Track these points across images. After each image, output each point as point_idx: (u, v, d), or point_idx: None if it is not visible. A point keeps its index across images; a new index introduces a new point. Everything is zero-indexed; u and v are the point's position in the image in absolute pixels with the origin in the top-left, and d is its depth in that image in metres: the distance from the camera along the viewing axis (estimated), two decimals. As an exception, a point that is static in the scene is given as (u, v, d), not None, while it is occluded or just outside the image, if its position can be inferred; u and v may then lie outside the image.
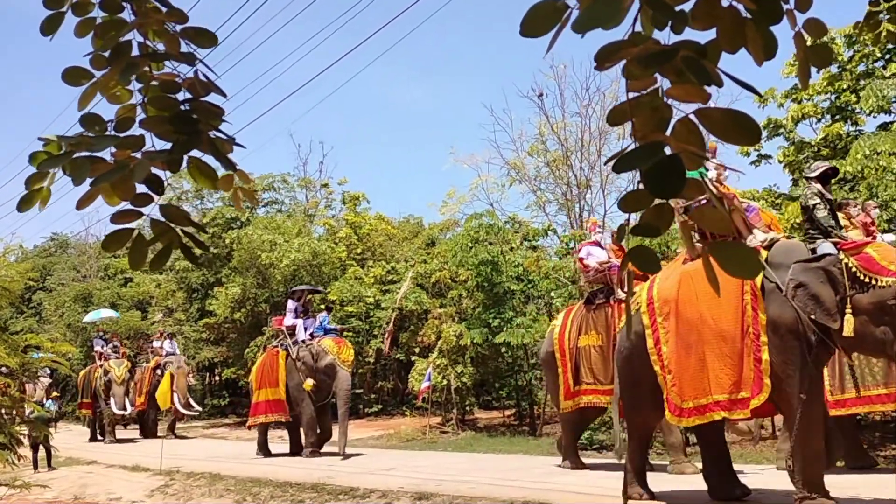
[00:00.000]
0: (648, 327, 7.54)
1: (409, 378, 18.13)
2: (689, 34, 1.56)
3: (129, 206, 1.95)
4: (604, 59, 1.53)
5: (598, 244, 10.93)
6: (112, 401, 20.36)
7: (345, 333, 16.14)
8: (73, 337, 30.37)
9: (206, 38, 2.07)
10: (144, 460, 14.49)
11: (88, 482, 13.55)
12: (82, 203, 1.95)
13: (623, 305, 10.01)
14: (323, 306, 16.33)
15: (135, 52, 1.99)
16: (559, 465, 10.95)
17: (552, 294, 16.13)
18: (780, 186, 14.33)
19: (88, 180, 1.87)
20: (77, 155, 1.91)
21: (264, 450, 15.18)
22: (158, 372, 20.51)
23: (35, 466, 15.23)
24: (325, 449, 14.59)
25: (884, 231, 9.77)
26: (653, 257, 1.59)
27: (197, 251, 2.13)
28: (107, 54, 1.99)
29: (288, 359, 14.61)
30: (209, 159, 1.98)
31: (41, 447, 15.24)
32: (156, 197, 1.95)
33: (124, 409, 20.52)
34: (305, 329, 14.69)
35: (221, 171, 2.11)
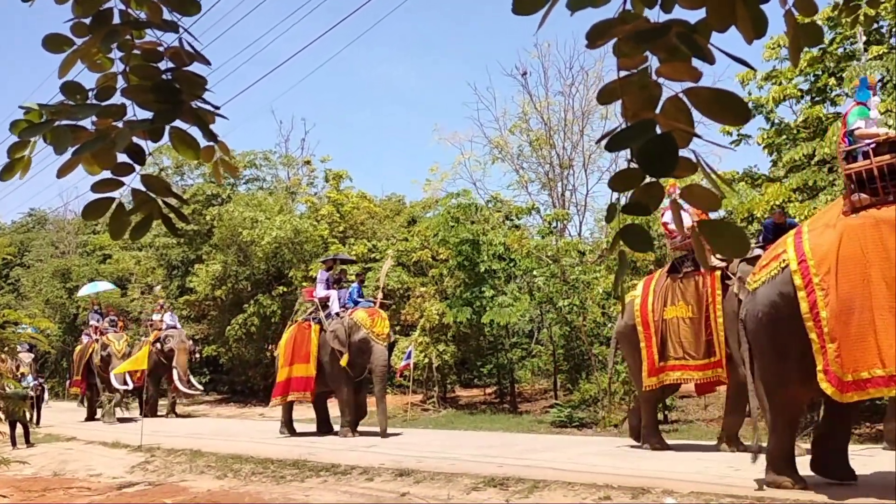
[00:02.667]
0: (802, 289, 6.55)
1: (391, 356, 18.17)
2: (678, 14, 1.56)
3: (110, 176, 1.93)
4: (596, 36, 1.52)
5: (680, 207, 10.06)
6: (112, 376, 19.17)
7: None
8: (51, 313, 30.21)
9: (189, 6, 2.03)
10: (124, 437, 14.46)
11: (68, 458, 13.51)
12: (63, 172, 1.92)
13: (716, 273, 9.26)
14: (353, 277, 15.40)
15: (116, 19, 1.96)
16: (640, 447, 10.23)
17: (534, 273, 16.20)
18: (760, 167, 14.44)
19: (70, 149, 1.85)
20: (58, 123, 1.88)
21: (290, 428, 14.39)
22: (159, 346, 19.72)
23: (13, 443, 15.16)
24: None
25: None
26: (646, 235, 1.60)
27: (179, 223, 2.11)
28: (88, 21, 1.96)
29: (322, 333, 13.76)
30: (192, 130, 1.97)
31: (19, 423, 15.15)
32: (137, 167, 1.93)
33: (125, 384, 19.38)
34: (339, 300, 13.89)
35: (204, 143, 2.09)
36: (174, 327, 20.41)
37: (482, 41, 52.76)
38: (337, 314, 13.69)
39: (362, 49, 61.36)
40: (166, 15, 2.01)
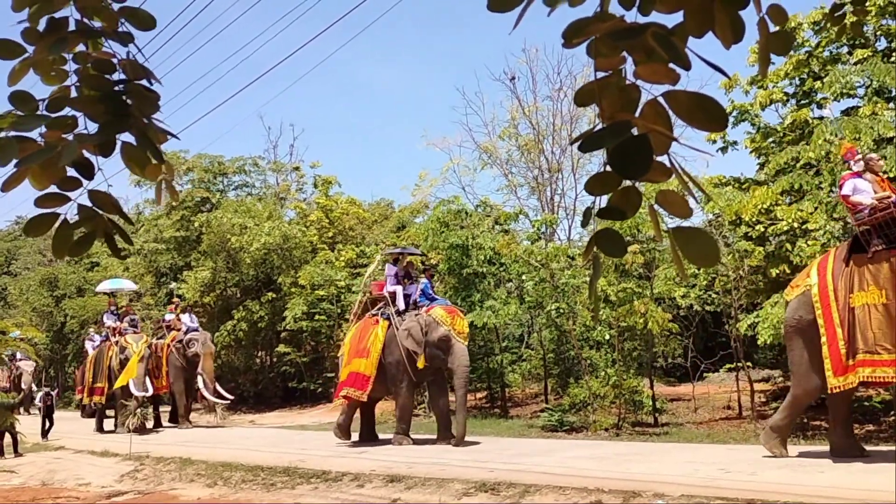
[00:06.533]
0: None
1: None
2: (656, 18, 1.55)
3: (56, 190, 1.85)
4: (572, 35, 1.51)
5: (859, 175, 8.61)
6: (130, 382, 17.29)
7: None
8: (38, 321, 30.06)
9: (142, 20, 1.97)
10: (113, 445, 14.37)
11: (56, 468, 13.41)
12: (8, 185, 1.85)
13: None
14: (422, 272, 14.34)
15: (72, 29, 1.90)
16: (836, 460, 8.31)
17: (523, 277, 16.24)
18: (746, 172, 14.53)
19: (14, 161, 1.79)
20: (4, 134, 1.81)
21: (345, 433, 13.21)
22: (179, 348, 18.53)
23: (1, 453, 15.06)
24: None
25: None
26: (619, 240, 1.57)
27: (121, 244, 2.03)
28: (42, 30, 1.90)
29: (389, 329, 12.72)
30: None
31: (7, 433, 15.04)
32: (85, 182, 1.86)
33: (145, 389, 17.74)
34: (407, 297, 12.95)
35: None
36: (195, 329, 18.99)
37: (470, 46, 52.95)
38: (406, 311, 12.81)
39: (350, 54, 61.46)
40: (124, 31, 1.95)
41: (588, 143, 1.51)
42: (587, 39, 1.51)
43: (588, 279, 14.38)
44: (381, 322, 12.89)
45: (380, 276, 18.23)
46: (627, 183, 1.52)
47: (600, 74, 1.54)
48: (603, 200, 1.61)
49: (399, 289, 13.02)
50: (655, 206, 1.64)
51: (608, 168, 1.49)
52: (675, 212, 1.58)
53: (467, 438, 12.27)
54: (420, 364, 12.17)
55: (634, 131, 1.49)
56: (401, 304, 12.89)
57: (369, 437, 13.36)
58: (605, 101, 1.53)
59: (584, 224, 1.65)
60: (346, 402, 13.05)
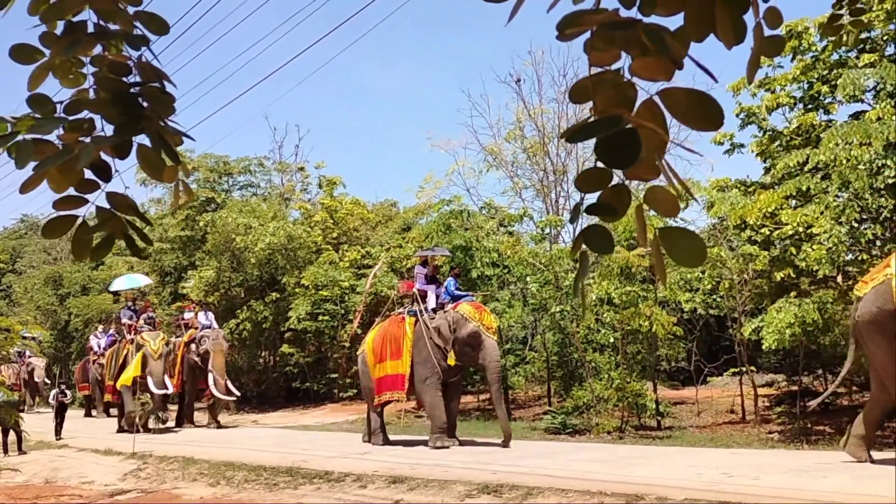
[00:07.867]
0: None
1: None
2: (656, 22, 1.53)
3: (74, 193, 1.85)
4: (566, 26, 1.49)
5: None
6: (149, 380, 17.18)
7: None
8: (43, 320, 30.19)
9: (157, 25, 1.98)
10: (117, 444, 14.40)
11: (60, 466, 13.45)
12: (26, 187, 1.83)
13: None
14: (446, 270, 14.15)
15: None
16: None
17: (527, 279, 16.22)
18: (752, 176, 14.50)
19: (32, 164, 1.78)
20: (22, 136, 1.81)
21: (382, 437, 13.17)
22: (193, 347, 18.31)
23: (5, 450, 15.09)
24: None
25: None
26: (607, 236, 1.54)
27: (140, 244, 2.03)
28: (59, 33, 1.90)
29: (417, 326, 12.62)
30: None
31: (11, 431, 15.08)
32: (103, 184, 1.86)
33: (164, 388, 17.62)
34: (437, 297, 12.88)
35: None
36: (209, 326, 18.76)
37: (475, 48, 52.99)
38: (434, 310, 12.70)
39: (356, 56, 61.56)
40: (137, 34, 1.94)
41: (576, 133, 1.49)
42: (581, 31, 1.49)
43: (590, 282, 14.36)
44: (408, 319, 12.83)
45: (384, 279, 18.23)
46: (618, 181, 1.50)
47: (595, 70, 1.52)
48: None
49: (432, 288, 13.00)
50: (645, 207, 1.61)
51: (599, 164, 1.47)
52: (662, 210, 1.55)
53: (469, 438, 12.33)
54: (451, 361, 11.99)
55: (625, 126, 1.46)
56: (431, 303, 12.80)
57: (384, 439, 13.29)
58: (599, 97, 1.50)
59: (573, 220, 1.63)
60: (377, 406, 13.08)
